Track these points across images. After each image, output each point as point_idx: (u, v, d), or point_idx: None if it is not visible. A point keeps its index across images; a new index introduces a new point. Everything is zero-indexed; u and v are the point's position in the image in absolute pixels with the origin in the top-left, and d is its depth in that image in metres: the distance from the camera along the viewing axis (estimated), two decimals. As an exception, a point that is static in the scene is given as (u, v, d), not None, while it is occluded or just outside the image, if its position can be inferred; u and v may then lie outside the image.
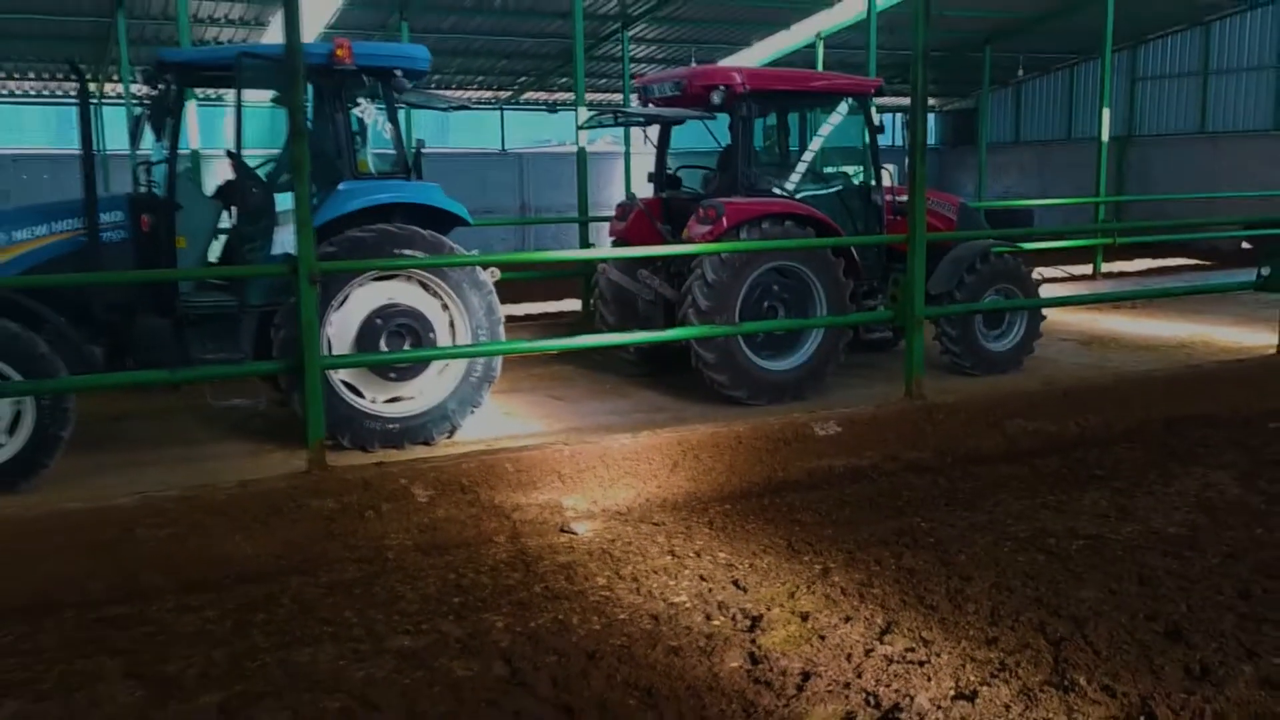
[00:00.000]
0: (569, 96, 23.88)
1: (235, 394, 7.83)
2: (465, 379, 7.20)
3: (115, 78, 20.17)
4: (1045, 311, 9.78)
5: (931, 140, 30.51)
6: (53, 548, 5.13)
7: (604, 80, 24.30)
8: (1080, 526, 5.77)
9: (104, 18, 16.95)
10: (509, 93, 25.38)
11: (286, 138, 6.61)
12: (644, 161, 12.44)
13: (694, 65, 9.29)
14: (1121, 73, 25.26)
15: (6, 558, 5.08)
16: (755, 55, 22.36)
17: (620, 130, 19.58)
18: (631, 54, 21.06)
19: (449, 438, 7.22)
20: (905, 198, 8.98)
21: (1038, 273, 15.38)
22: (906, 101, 27.32)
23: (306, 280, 5.61)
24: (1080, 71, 26.63)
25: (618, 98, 22.49)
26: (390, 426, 7.00)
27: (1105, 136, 14.39)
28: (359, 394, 7.00)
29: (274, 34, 18.00)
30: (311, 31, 17.25)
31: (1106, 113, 14.26)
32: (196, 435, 7.61)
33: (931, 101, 29.68)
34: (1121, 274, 17.10)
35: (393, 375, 7.01)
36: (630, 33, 19.91)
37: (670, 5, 19.00)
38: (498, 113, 26.51)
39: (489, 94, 25.32)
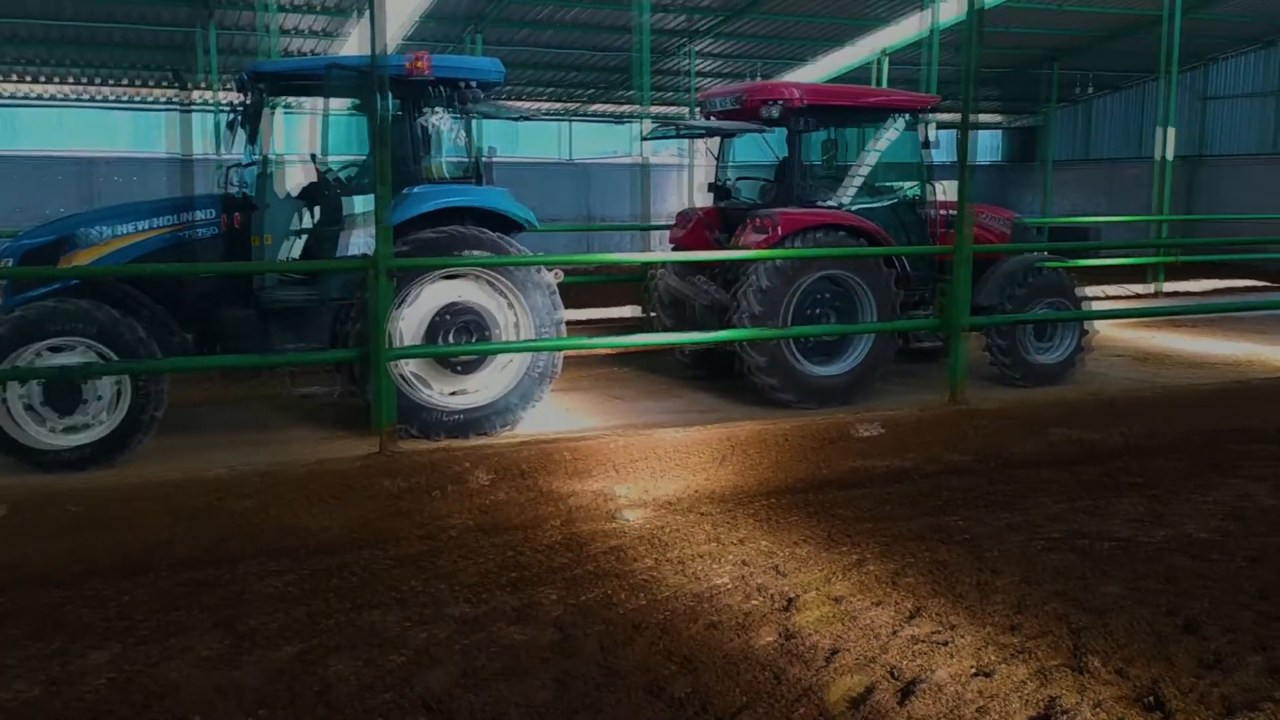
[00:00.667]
0: (634, 109, 24.37)
1: (312, 383, 8.32)
2: (527, 374, 7.59)
3: (203, 85, 21.11)
4: (1100, 328, 9.92)
5: (995, 157, 30.42)
6: (148, 513, 5.63)
7: (669, 94, 24.73)
8: (1113, 529, 5.96)
9: (193, 28, 17.81)
10: (576, 104, 25.93)
11: (369, 144, 7.08)
12: (707, 174, 12.84)
13: (757, 80, 9.63)
14: (1192, 92, 25.00)
15: (106, 521, 5.59)
16: (818, 71, 22.61)
17: (684, 143, 19.98)
18: (696, 68, 21.46)
19: (510, 430, 7.62)
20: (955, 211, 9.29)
21: (1101, 290, 15.46)
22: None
23: (384, 276, 6.04)
24: (1150, 90, 26.37)
25: (683, 111, 22.88)
26: (455, 417, 7.41)
27: (1169, 155, 14.45)
28: (426, 386, 7.42)
29: (351, 45, 18.72)
30: (388, 44, 17.93)
31: (1170, 131, 14.31)
32: (273, 421, 8.11)
33: (997, 118, 29.63)
34: (1186, 294, 17.00)
35: (458, 369, 7.42)
36: (695, 47, 20.32)
37: (735, 21, 19.36)
38: (565, 124, 27.08)
39: (557, 105, 25.90)
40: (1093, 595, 4.97)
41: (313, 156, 7.57)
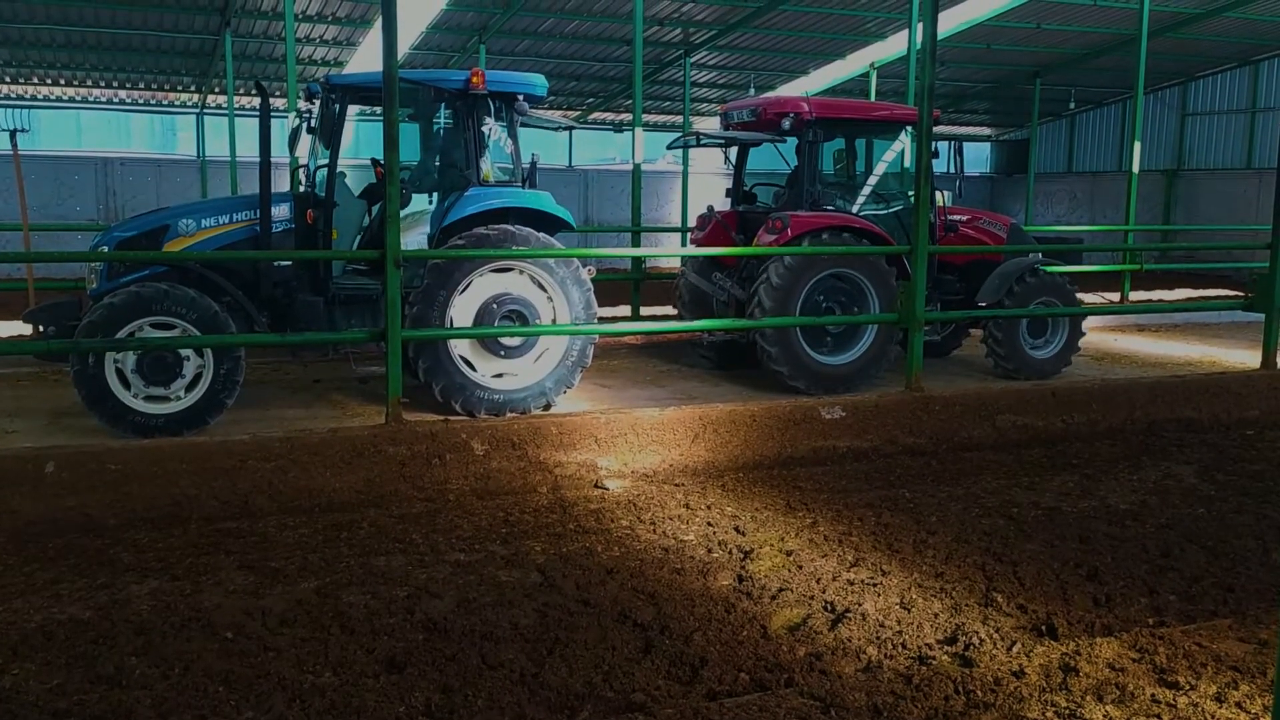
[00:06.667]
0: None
1: (372, 364, 9.12)
2: (562, 362, 8.26)
3: (218, 90, 21.82)
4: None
5: (985, 168, 31.16)
6: (180, 473, 6.29)
7: (668, 103, 25.44)
8: (1044, 501, 6.64)
9: (211, 35, 18.52)
10: (577, 112, 26.64)
11: (421, 149, 7.77)
12: (701, 181, 13.57)
13: (752, 93, 10.49)
14: (1172, 107, 25.77)
15: (143, 479, 6.25)
16: (812, 83, 23.31)
17: (679, 152, 20.70)
18: (693, 79, 22.14)
19: (544, 411, 8.25)
20: (955, 216, 10.12)
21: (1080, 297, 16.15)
22: (952, 130, 28.13)
23: (392, 264, 6.73)
24: (1130, 106, 27.19)
25: (680, 120, 23.59)
26: (496, 397, 8.05)
27: (1135, 169, 15.22)
28: (473, 368, 8.08)
29: (364, 53, 19.42)
30: (398, 54, 18.64)
31: (1136, 146, 15.11)
32: (337, 399, 8.81)
33: (986, 131, 30.40)
34: (1160, 302, 17.64)
35: (502, 353, 8.08)
36: (692, 59, 21.01)
37: (730, 35, 20.06)
38: (566, 131, 27.79)
39: (559, 114, 26.61)
40: (1012, 551, 5.65)
41: (374, 160, 8.27)
